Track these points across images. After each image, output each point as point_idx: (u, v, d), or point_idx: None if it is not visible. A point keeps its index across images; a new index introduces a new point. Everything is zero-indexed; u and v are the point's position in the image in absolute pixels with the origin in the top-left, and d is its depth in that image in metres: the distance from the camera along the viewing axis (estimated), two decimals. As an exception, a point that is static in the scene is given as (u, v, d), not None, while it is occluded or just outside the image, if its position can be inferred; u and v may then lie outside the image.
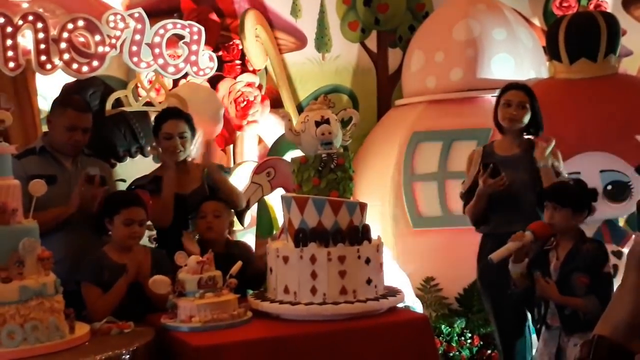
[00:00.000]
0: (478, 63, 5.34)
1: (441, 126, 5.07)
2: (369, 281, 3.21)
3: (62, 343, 2.84)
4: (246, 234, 4.86)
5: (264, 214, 5.06)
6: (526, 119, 3.83)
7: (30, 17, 4.06)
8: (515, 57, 5.42)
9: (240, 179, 4.92)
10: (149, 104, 4.56)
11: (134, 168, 4.35)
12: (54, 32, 4.11)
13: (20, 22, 4.04)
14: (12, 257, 2.84)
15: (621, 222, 4.86)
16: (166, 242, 3.77)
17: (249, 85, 5.50)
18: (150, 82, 4.80)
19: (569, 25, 4.89)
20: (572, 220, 3.32)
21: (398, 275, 4.67)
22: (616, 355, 1.42)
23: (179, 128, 3.88)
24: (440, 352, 4.60)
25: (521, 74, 5.41)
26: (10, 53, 4.02)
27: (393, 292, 3.33)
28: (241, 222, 4.45)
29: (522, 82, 4.11)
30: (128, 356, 2.81)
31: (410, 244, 5.08)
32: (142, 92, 4.73)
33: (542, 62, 5.53)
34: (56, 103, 3.84)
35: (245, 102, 5.45)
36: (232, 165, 5.39)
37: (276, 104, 5.70)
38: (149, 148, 4.22)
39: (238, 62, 5.52)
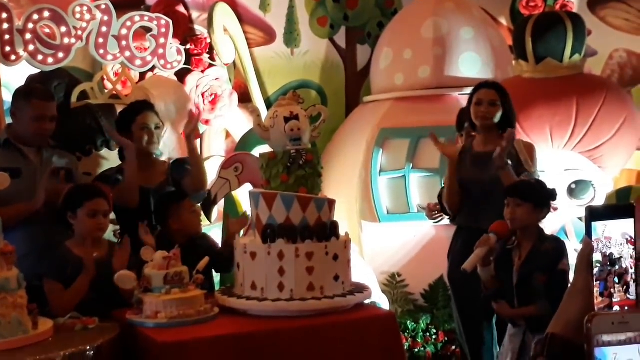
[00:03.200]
0: (446, 61, 5.38)
1: (409, 123, 5.09)
2: (336, 277, 3.21)
3: (26, 339, 2.80)
4: (213, 228, 4.83)
5: (232, 209, 5.04)
6: (498, 116, 3.86)
7: (-6, 7, 3.99)
8: (482, 56, 5.46)
9: (208, 174, 4.88)
10: (115, 96, 4.51)
11: (99, 161, 4.32)
12: (18, 23, 4.05)
13: (-16, 12, 3.97)
14: (-26, 251, 2.79)
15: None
16: (130, 235, 3.74)
17: (217, 79, 5.47)
18: (116, 74, 4.75)
19: (536, 24, 4.94)
20: (533, 215, 3.37)
21: (364, 271, 4.68)
22: (568, 351, 1.46)
23: (154, 119, 3.89)
24: (405, 348, 4.63)
25: (487, 73, 5.46)
26: (-27, 43, 3.94)
27: (360, 288, 3.34)
28: (208, 217, 4.42)
29: (493, 80, 4.13)
30: (92, 352, 2.78)
31: (377, 240, 5.10)
32: (108, 85, 4.67)
33: (508, 61, 5.59)
34: (19, 94, 3.77)
35: (213, 96, 5.41)
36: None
37: (244, 99, 5.67)
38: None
39: (206, 55, 5.48)
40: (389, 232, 5.03)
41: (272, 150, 3.40)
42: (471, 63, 5.40)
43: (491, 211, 3.61)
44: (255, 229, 3.32)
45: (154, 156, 3.96)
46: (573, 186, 4.78)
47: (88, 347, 2.78)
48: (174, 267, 3.18)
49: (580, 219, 4.89)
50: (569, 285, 1.39)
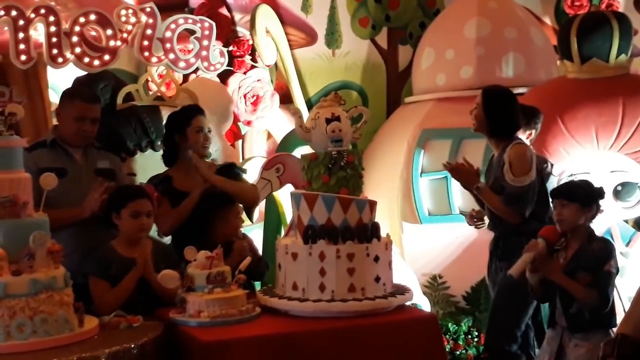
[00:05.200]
0: (489, 61, 5.34)
1: (451, 124, 5.06)
2: (377, 279, 3.21)
3: (72, 336, 2.84)
4: (254, 229, 4.87)
5: (272, 209, 5.07)
6: (483, 121, 3.81)
7: (42, 11, 4.07)
8: (526, 56, 5.40)
9: (249, 175, 4.92)
10: (159, 98, 4.56)
11: (143, 162, 4.37)
12: (65, 26, 4.12)
13: (32, 15, 4.05)
14: (22, 250, 2.85)
15: (631, 224, 4.85)
16: (176, 238, 3.79)
17: (259, 80, 5.50)
18: (160, 76, 4.81)
19: (581, 24, 4.87)
20: (581, 215, 3.32)
21: (405, 273, 4.67)
22: (639, 352, 1.43)
23: (206, 123, 3.95)
24: (447, 350, 4.60)
25: (532, 73, 5.40)
26: (22, 46, 4.03)
27: (401, 290, 3.33)
28: (250, 217, 4.45)
29: (491, 85, 4.03)
30: (137, 350, 2.81)
31: (418, 242, 5.08)
32: (152, 87, 4.73)
33: (553, 61, 5.52)
34: (64, 95, 3.85)
35: (254, 98, 5.45)
36: (240, 160, 5.39)
37: (285, 100, 5.70)
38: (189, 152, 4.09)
39: (248, 57, 5.53)
40: (430, 233, 5.01)
41: (314, 151, 3.41)
42: (515, 63, 5.35)
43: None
44: (297, 229, 3.33)
45: (205, 159, 3.98)
46: (619, 188, 4.70)
47: (132, 345, 2.81)
48: (216, 266, 3.21)
49: (626, 221, 4.80)
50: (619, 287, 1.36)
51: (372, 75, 6.09)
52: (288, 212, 4.95)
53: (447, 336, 4.72)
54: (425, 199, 5.07)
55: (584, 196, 3.34)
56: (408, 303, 3.42)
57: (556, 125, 4.70)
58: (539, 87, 5.13)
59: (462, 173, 3.86)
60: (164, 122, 4.22)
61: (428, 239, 5.02)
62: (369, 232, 3.23)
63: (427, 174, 5.07)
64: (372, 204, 3.29)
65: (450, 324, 4.77)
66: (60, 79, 4.59)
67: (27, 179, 3.01)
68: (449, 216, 4.95)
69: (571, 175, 4.51)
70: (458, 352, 4.74)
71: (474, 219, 4.12)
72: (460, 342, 4.74)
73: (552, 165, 4.37)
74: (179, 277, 3.19)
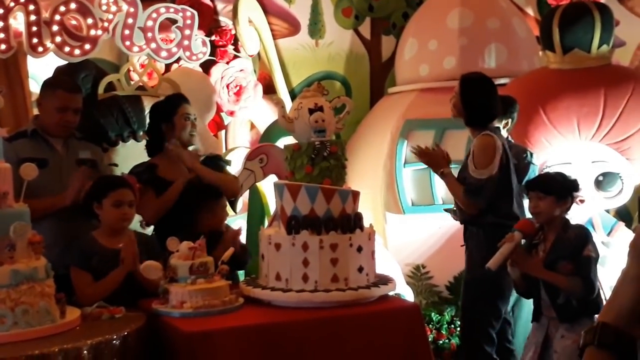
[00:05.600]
0: (471, 52, 5.34)
1: (434, 114, 5.07)
2: (360, 269, 3.21)
3: (53, 327, 2.82)
4: (237, 219, 4.85)
5: (256, 200, 5.06)
6: (460, 109, 3.81)
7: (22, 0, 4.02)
8: (509, 47, 5.41)
9: (232, 165, 4.90)
10: (141, 88, 4.53)
11: (125, 153, 4.34)
12: (45, 15, 4.08)
13: (12, 4, 4.01)
14: (2, 241, 2.82)
15: (612, 213, 4.88)
16: (159, 228, 3.77)
17: (242, 70, 5.47)
18: (142, 66, 4.77)
19: (563, 15, 4.88)
20: (556, 207, 3.35)
21: (389, 263, 4.68)
22: (621, 340, 1.44)
23: (192, 111, 3.93)
24: (430, 339, 4.62)
25: (514, 64, 5.41)
26: (1, 35, 3.98)
27: (384, 280, 3.33)
28: (233, 208, 4.44)
29: (468, 72, 3.98)
30: (119, 341, 2.80)
31: (401, 232, 5.09)
32: (134, 76, 4.70)
33: (535, 51, 5.53)
34: (46, 85, 3.80)
35: (237, 88, 5.43)
36: (224, 150, 5.37)
37: (269, 90, 5.68)
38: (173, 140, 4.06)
39: (231, 46, 5.49)
40: (414, 223, 5.02)
41: (297, 141, 3.41)
42: (497, 54, 5.36)
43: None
44: (280, 220, 3.32)
45: (190, 149, 3.96)
46: (600, 178, 4.73)
47: (115, 336, 2.79)
48: (199, 257, 3.19)
49: (607, 211, 4.84)
50: (621, 273, 1.37)
51: (356, 66, 6.08)
52: (271, 202, 4.94)
53: (431, 326, 4.74)
54: (409, 190, 5.08)
55: (560, 189, 3.37)
56: (391, 293, 3.43)
57: (538, 115, 4.71)
58: (521, 77, 5.14)
59: (430, 156, 3.88)
60: (147, 112, 4.19)
61: (411, 229, 5.03)
62: (352, 222, 3.23)
63: (410, 165, 5.07)
64: (355, 195, 3.29)
65: (433, 314, 4.79)
66: (40, 69, 4.55)
67: (7, 169, 2.98)
68: (432, 206, 4.96)
69: (548, 167, 4.53)
70: (441, 342, 4.76)
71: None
72: (444, 332, 4.76)
73: (531, 154, 4.38)
74: (162, 268, 3.18)
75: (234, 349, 2.90)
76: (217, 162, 4.06)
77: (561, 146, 4.74)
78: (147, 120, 4.10)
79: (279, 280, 3.21)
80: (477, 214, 3.74)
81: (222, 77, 5.40)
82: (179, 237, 3.26)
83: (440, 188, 4.95)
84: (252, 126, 5.68)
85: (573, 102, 4.71)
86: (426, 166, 4.89)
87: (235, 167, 4.87)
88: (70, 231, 3.51)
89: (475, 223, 3.75)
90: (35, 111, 4.26)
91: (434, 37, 5.43)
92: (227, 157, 5.06)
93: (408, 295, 4.72)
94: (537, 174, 4.13)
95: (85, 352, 2.66)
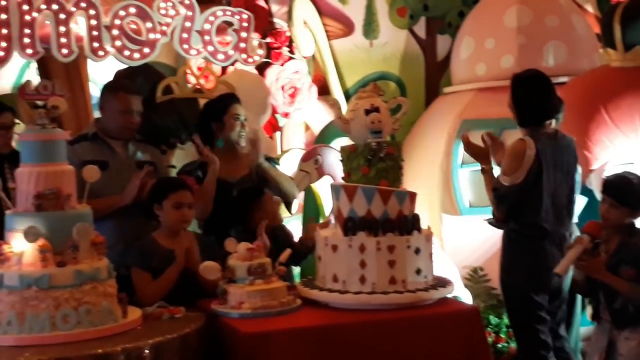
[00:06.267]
0: (530, 50, 5.26)
1: (491, 114, 4.99)
2: (418, 271, 3.18)
3: (116, 327, 2.88)
4: (292, 220, 4.87)
5: (311, 201, 5.07)
6: (511, 108, 3.71)
7: (83, 4, 4.10)
8: (568, 45, 5.31)
9: (287, 166, 4.93)
10: (198, 91, 4.58)
11: (183, 155, 4.40)
12: (106, 19, 4.15)
13: (73, 9, 4.08)
14: (66, 241, 2.89)
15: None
16: (213, 228, 3.80)
17: (296, 72, 5.49)
18: (199, 69, 4.83)
19: (625, 11, 4.77)
20: (628, 217, 3.27)
21: (446, 265, 4.63)
22: None
23: (243, 112, 3.97)
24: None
25: (574, 62, 5.30)
26: (63, 40, 4.06)
27: (443, 282, 3.30)
28: (289, 209, 4.45)
29: (521, 71, 3.85)
30: (179, 341, 2.84)
31: (458, 234, 5.03)
32: (191, 79, 4.75)
33: (595, 49, 5.41)
34: (107, 88, 3.89)
35: (292, 89, 5.45)
36: (279, 152, 5.40)
37: (323, 91, 5.68)
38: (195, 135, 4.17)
39: (286, 48, 5.52)
40: (471, 225, 4.95)
41: (353, 143, 3.40)
42: (556, 52, 5.27)
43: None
44: (336, 221, 3.32)
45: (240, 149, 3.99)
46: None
47: (175, 336, 2.84)
48: (257, 258, 3.22)
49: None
50: None
51: (410, 66, 6.03)
52: (326, 203, 4.95)
53: (489, 329, 4.67)
54: (466, 191, 5.02)
55: (636, 201, 3.27)
56: (449, 295, 3.39)
57: (599, 114, 4.61)
58: (581, 76, 5.04)
59: (474, 149, 3.78)
60: (202, 112, 4.24)
61: (468, 231, 4.97)
62: (410, 224, 3.21)
63: (468, 165, 5.01)
64: (413, 196, 3.26)
65: (491, 317, 4.72)
66: (99, 73, 4.64)
67: (71, 171, 3.05)
68: (490, 208, 4.87)
69: (617, 166, 4.41)
70: (500, 345, 4.69)
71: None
72: (502, 335, 4.69)
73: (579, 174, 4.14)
74: (220, 269, 3.21)
75: (291, 350, 2.91)
76: (271, 161, 4.09)
77: (623, 145, 4.62)
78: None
79: (336, 282, 3.20)
80: (502, 219, 3.67)
81: (277, 79, 5.42)
82: (235, 237, 3.29)
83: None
84: (307, 127, 5.69)
85: (636, 100, 4.59)
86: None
87: (290, 168, 4.90)
88: (131, 232, 3.58)
89: (502, 228, 3.69)
90: (96, 114, 4.35)
91: (491, 35, 5.36)
92: (282, 159, 5.10)
93: (466, 298, 4.66)
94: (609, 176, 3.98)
95: (146, 351, 2.71)
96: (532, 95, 3.65)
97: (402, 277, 3.14)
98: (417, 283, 3.17)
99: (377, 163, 3.26)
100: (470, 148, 3.80)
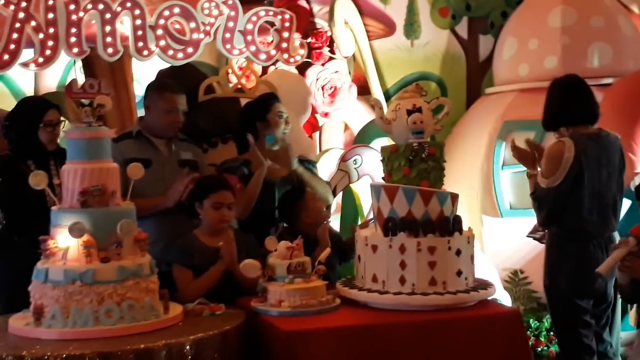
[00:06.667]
0: (574, 51, 5.19)
1: (534, 116, 4.86)
2: (459, 273, 3.16)
3: (157, 322, 2.92)
4: (331, 220, 4.86)
5: (349, 201, 5.06)
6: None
7: (129, 4, 4.15)
8: (613, 46, 5.23)
9: (326, 166, 4.93)
10: (239, 90, 4.61)
11: (224, 153, 4.42)
12: (150, 19, 4.19)
13: (119, 9, 4.14)
14: (110, 238, 2.94)
15: None
16: (252, 226, 3.82)
17: (337, 72, 5.49)
18: (240, 68, 4.86)
19: (673, 12, 4.68)
20: None
21: (486, 267, 4.59)
22: None
23: (285, 111, 4.01)
24: (528, 346, 4.51)
25: (619, 63, 5.22)
26: (108, 39, 4.12)
27: (484, 284, 3.27)
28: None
29: (565, 76, 3.84)
30: (220, 338, 2.86)
31: (499, 236, 4.99)
32: (232, 79, 4.78)
33: (641, 50, 5.32)
34: (152, 88, 3.94)
35: (332, 89, 5.45)
36: (317, 152, 5.40)
37: (363, 91, 5.67)
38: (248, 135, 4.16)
39: (327, 48, 5.52)
40: (512, 227, 4.90)
41: (394, 143, 3.39)
42: (601, 53, 5.18)
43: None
44: (377, 221, 3.31)
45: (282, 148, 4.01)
46: None
47: (216, 333, 2.86)
48: (296, 257, 3.23)
49: None
50: None
51: (452, 66, 5.98)
52: (365, 203, 4.94)
53: (529, 332, 4.61)
54: (507, 192, 4.98)
55: None
56: (490, 298, 3.36)
57: (645, 116, 4.53)
58: (627, 77, 4.95)
59: (521, 153, 3.74)
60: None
61: (509, 233, 4.92)
62: (451, 225, 3.18)
63: (509, 167, 4.96)
64: (455, 197, 3.24)
65: (531, 320, 4.67)
66: (142, 72, 4.70)
67: (115, 168, 3.10)
68: (531, 210, 4.81)
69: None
70: (540, 349, 4.63)
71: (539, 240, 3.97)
72: (542, 339, 4.64)
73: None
74: (261, 267, 3.22)
75: (330, 349, 2.91)
76: (305, 165, 4.10)
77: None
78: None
79: (375, 282, 3.20)
80: (544, 223, 3.62)
81: (317, 79, 5.42)
82: (286, 237, 3.30)
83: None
84: (346, 127, 5.68)
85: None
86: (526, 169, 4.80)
87: (329, 168, 4.89)
88: (173, 229, 3.62)
89: (543, 242, 3.64)
90: (139, 113, 4.41)
91: (535, 36, 5.30)
92: (321, 159, 5.10)
93: (506, 300, 4.61)
94: None
95: (187, 347, 2.74)
96: (565, 100, 3.66)
97: (442, 279, 3.12)
98: (457, 285, 3.14)
99: (418, 164, 3.24)
100: (517, 152, 3.76)
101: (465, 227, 3.28)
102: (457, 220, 3.21)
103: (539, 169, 3.68)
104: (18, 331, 2.90)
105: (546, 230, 3.78)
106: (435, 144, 3.35)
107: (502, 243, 4.97)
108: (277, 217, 3.89)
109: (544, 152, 3.63)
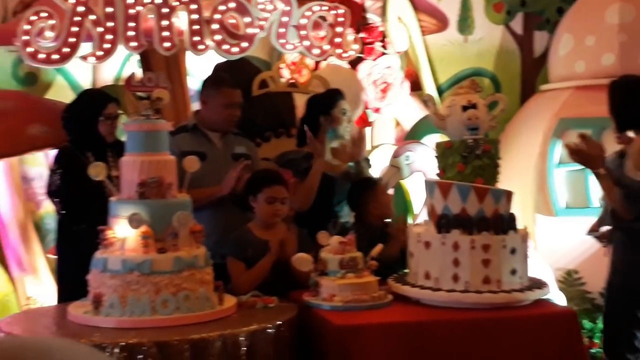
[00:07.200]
0: (632, 48, 5.09)
1: (590, 113, 4.84)
2: (513, 272, 3.12)
3: (212, 313, 2.96)
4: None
5: (400, 197, 5.04)
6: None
7: (185, -1, 4.20)
8: (674, 43, 5.10)
9: (376, 162, 4.92)
10: (292, 85, 4.63)
11: (277, 147, 4.45)
12: (206, 14, 4.24)
13: (176, 3, 4.18)
14: (167, 229, 2.98)
15: None
16: (309, 220, 3.83)
17: (389, 67, 5.47)
18: (293, 63, 4.87)
19: None
20: None
21: (539, 267, 4.53)
22: None
23: (348, 107, 4.04)
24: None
25: (680, 60, 5.09)
26: (165, 33, 4.17)
27: (538, 284, 3.23)
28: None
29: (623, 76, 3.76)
30: (273, 330, 2.89)
31: (553, 235, 4.92)
32: (284, 74, 4.81)
33: None
34: (209, 83, 3.98)
35: (384, 85, 5.43)
36: (368, 147, 5.39)
37: (415, 87, 5.65)
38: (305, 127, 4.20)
39: (379, 43, 5.50)
40: (566, 226, 4.82)
41: (448, 139, 3.36)
42: (661, 50, 5.06)
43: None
44: (429, 218, 3.29)
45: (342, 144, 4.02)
46: None
47: (269, 325, 2.89)
48: (349, 252, 3.23)
49: None
50: None
51: (506, 62, 5.91)
52: (415, 200, 4.92)
53: (583, 333, 4.53)
54: (561, 191, 4.90)
55: None
56: (544, 298, 3.31)
57: None
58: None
59: (584, 155, 3.63)
60: (297, 107, 4.29)
61: (563, 232, 4.85)
62: (506, 223, 3.15)
63: (564, 165, 4.89)
64: (510, 195, 3.21)
65: (585, 321, 4.59)
66: (195, 66, 4.75)
67: (172, 161, 3.15)
68: (586, 209, 4.75)
69: None
70: (594, 350, 4.55)
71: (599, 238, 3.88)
72: (596, 340, 4.56)
73: None
74: (313, 261, 3.24)
75: (382, 344, 2.91)
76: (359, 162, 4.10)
77: None
78: (298, 116, 4.20)
79: (428, 279, 3.18)
80: (631, 220, 3.53)
81: (369, 74, 5.41)
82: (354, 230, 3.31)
83: (597, 190, 4.72)
84: (397, 123, 5.66)
85: None
86: (582, 167, 4.71)
87: (380, 164, 4.88)
88: (227, 222, 3.65)
89: (624, 228, 3.54)
90: (194, 107, 4.46)
91: (592, 32, 5.20)
92: (372, 154, 5.09)
93: (560, 301, 4.54)
94: None
95: (242, 338, 2.77)
96: (631, 101, 3.56)
97: (496, 277, 3.09)
98: (512, 283, 3.11)
99: (473, 160, 3.21)
100: (579, 155, 3.62)
101: (520, 226, 3.24)
102: (512, 218, 3.18)
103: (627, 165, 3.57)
104: (77, 319, 2.97)
105: (607, 229, 3.70)
106: (491, 140, 3.32)
107: (556, 242, 4.90)
108: (335, 212, 3.90)
109: (634, 146, 3.51)
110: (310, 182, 3.82)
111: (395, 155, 4.87)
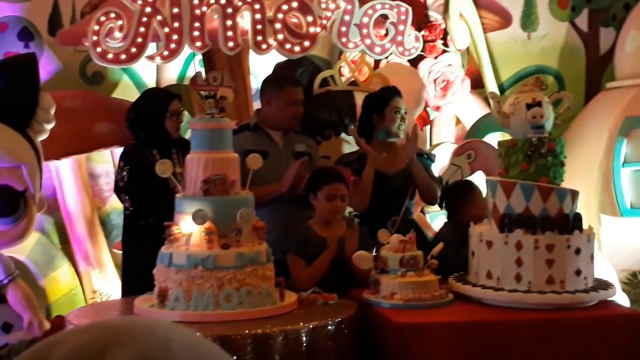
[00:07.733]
0: None
1: (658, 112, 4.74)
2: (578, 272, 3.08)
3: (274, 309, 3.00)
4: (440, 214, 4.83)
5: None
6: None
7: (249, -1, 4.25)
8: None
9: (436, 160, 4.88)
10: (353, 83, 4.64)
11: (337, 146, 4.48)
12: (269, 13, 4.28)
13: (240, 3, 4.24)
14: (230, 225, 3.04)
15: None
16: (367, 218, 3.84)
17: (450, 65, 5.42)
18: (353, 62, 4.88)
19: None
20: None
21: (603, 268, 4.43)
22: None
23: (404, 105, 4.04)
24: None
25: None
26: (229, 33, 4.23)
27: (604, 285, 3.18)
28: (439, 204, 4.43)
29: None
30: (334, 327, 2.92)
31: (617, 236, 4.81)
32: (344, 72, 4.82)
33: None
34: (271, 82, 4.03)
35: (444, 83, 5.39)
36: (428, 146, 5.36)
37: (476, 85, 5.58)
38: (351, 127, 4.27)
39: (440, 41, 5.46)
40: (632, 227, 4.72)
41: (512, 137, 3.33)
42: None
43: None
44: (492, 217, 3.27)
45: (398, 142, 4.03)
46: None
47: (330, 322, 2.92)
48: (409, 250, 3.23)
49: None
50: None
51: (570, 60, 5.79)
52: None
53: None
54: (627, 191, 4.80)
55: None
56: (609, 299, 3.25)
57: None
58: None
59: None
60: (358, 106, 4.30)
61: (629, 233, 4.74)
62: (570, 223, 3.10)
63: (630, 165, 4.78)
64: (575, 194, 3.16)
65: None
66: (255, 65, 4.80)
67: (236, 158, 3.21)
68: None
69: None
70: (659, 355, 4.43)
71: None
72: (662, 345, 4.43)
73: None
74: (373, 259, 3.25)
75: (443, 343, 2.91)
76: (422, 159, 4.08)
77: None
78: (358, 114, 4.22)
79: (489, 279, 3.16)
80: None
81: (429, 72, 5.38)
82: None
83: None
84: (458, 121, 5.61)
85: None
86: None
87: (441, 162, 4.85)
88: (287, 219, 3.70)
89: None
90: (255, 105, 4.52)
91: (660, 29, 5.06)
92: (432, 152, 5.06)
93: (624, 303, 4.44)
94: None
95: (303, 334, 2.80)
96: None
97: (560, 277, 3.05)
98: (576, 284, 3.07)
99: (537, 159, 3.18)
100: None
101: (585, 226, 3.19)
102: (577, 218, 3.14)
103: None
104: (143, 312, 3.04)
105: None
106: (556, 139, 3.27)
107: (621, 243, 4.79)
108: (393, 209, 3.91)
109: None
110: (363, 183, 3.83)
111: (457, 154, 4.83)
